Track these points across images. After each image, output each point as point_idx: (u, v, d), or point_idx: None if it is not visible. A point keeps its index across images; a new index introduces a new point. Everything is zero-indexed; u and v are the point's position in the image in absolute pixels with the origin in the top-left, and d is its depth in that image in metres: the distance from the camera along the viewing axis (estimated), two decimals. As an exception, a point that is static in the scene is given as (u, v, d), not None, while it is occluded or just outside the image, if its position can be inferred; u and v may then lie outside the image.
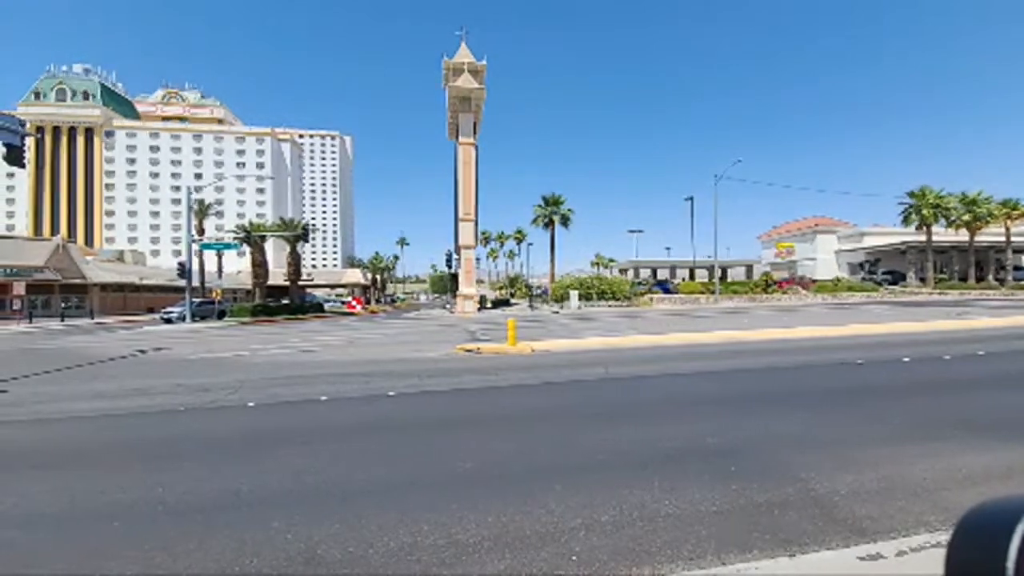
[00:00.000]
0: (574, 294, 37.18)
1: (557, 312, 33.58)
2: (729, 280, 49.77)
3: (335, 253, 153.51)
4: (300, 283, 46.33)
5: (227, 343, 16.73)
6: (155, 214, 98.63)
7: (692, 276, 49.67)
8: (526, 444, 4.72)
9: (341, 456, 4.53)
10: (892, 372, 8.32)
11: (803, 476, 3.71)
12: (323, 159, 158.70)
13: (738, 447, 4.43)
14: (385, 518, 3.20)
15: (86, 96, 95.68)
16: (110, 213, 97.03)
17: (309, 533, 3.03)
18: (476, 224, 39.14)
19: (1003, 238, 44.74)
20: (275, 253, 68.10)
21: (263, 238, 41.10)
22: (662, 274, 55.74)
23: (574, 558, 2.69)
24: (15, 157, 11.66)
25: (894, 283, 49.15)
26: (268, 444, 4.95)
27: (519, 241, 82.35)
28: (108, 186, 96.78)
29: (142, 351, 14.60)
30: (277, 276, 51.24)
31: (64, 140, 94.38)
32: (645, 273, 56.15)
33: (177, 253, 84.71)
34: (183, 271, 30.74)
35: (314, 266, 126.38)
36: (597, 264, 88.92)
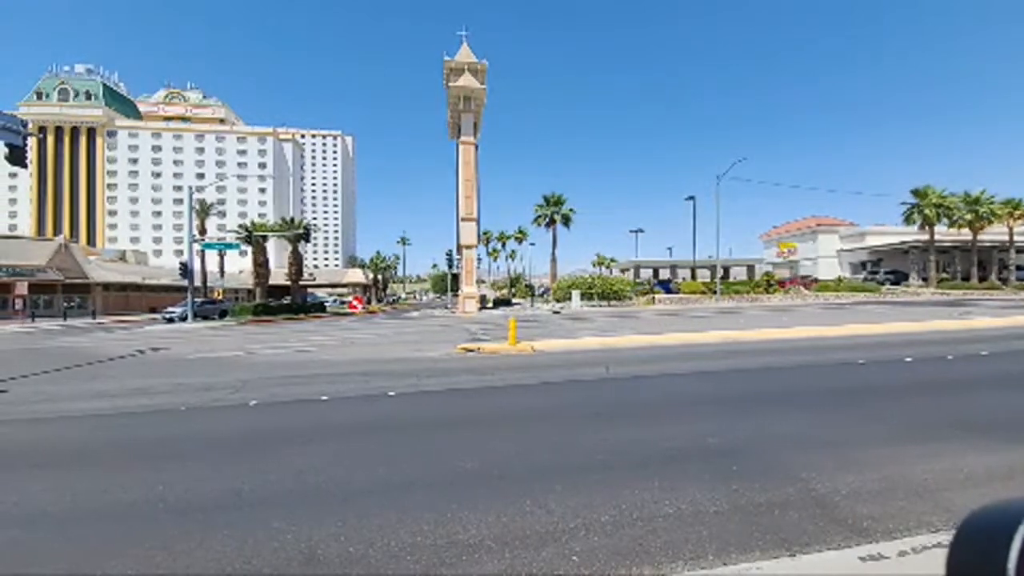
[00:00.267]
0: (575, 294, 37.17)
1: (558, 312, 33.57)
2: (731, 280, 49.70)
3: (336, 253, 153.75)
4: (301, 283, 46.40)
5: (228, 343, 16.76)
6: (157, 214, 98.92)
7: (694, 276, 49.59)
8: (526, 444, 4.71)
9: (342, 456, 4.53)
10: (894, 372, 8.30)
11: (804, 476, 3.70)
12: (324, 159, 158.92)
13: (739, 447, 4.42)
14: (385, 518, 3.20)
15: (88, 96, 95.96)
16: (112, 213, 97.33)
17: (309, 533, 3.03)
18: (477, 224, 39.16)
19: (1006, 238, 44.61)
20: (277, 253, 68.19)
21: (265, 238, 41.17)
22: (664, 274, 55.66)
23: (574, 558, 2.69)
24: (17, 157, 11.69)
25: (896, 283, 49.04)
26: (269, 443, 4.96)
27: (520, 241, 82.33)
28: (110, 186, 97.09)
29: (143, 351, 14.63)
30: (279, 276, 51.32)
31: (66, 140, 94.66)
32: (646, 273, 56.10)
33: (179, 253, 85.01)
34: (185, 271, 30.82)
35: (316, 266, 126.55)
36: (598, 264, 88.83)
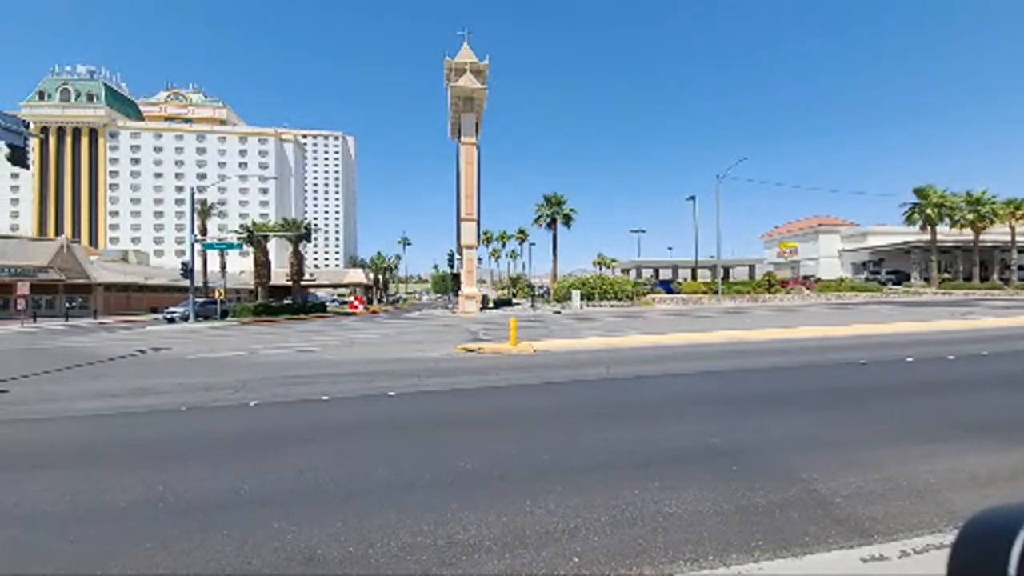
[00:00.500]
0: (576, 294, 37.16)
1: (559, 312, 33.55)
2: (732, 280, 49.64)
3: (337, 253, 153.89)
4: (302, 283, 46.47)
5: (229, 343, 16.77)
6: (159, 214, 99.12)
7: (694, 276, 49.52)
8: (527, 444, 4.70)
9: (342, 456, 4.52)
10: (895, 372, 8.28)
11: (806, 477, 3.68)
12: (326, 159, 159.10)
13: (740, 447, 4.41)
14: (386, 518, 3.19)
15: (90, 97, 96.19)
16: (114, 213, 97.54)
17: (310, 533, 3.02)
18: (478, 224, 39.18)
19: (1008, 237, 44.50)
20: (278, 253, 68.34)
21: (266, 238, 41.22)
22: (664, 274, 55.60)
23: (575, 559, 2.68)
24: (19, 157, 11.71)
25: (898, 283, 48.96)
26: (269, 443, 4.96)
27: (521, 241, 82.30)
28: (112, 186, 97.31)
29: (144, 351, 14.65)
30: (280, 276, 51.40)
31: (68, 140, 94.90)
32: (647, 273, 56.03)
33: (180, 253, 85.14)
34: (186, 271, 30.86)
35: (316, 266, 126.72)
36: (599, 264, 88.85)
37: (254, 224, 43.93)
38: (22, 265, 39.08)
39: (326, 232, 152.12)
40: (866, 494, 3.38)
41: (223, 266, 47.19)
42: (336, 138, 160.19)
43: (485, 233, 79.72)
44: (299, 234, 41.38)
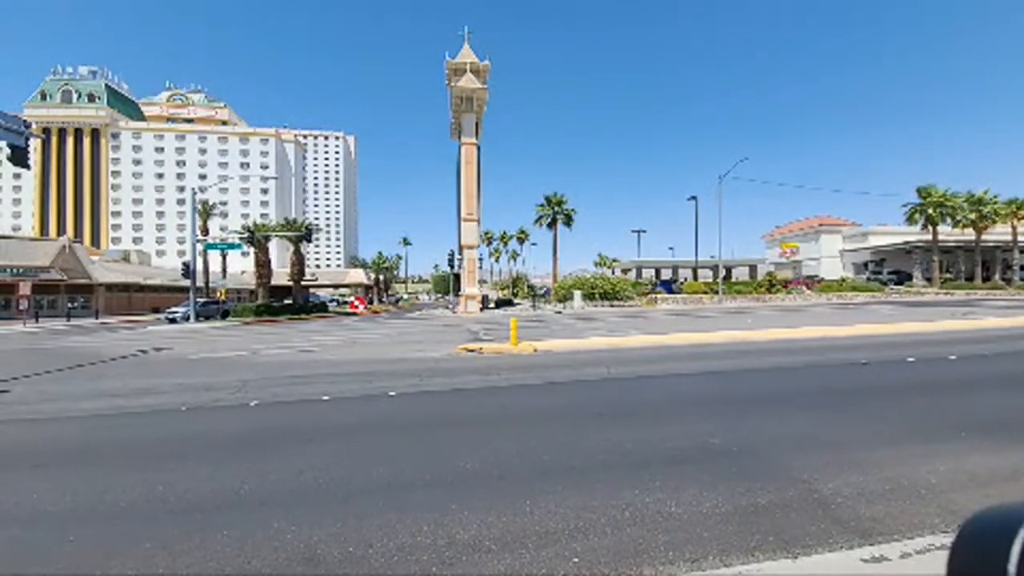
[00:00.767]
0: (577, 294, 37.13)
1: (560, 312, 33.55)
2: (733, 280, 49.59)
3: (338, 253, 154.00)
4: (303, 283, 46.49)
5: (230, 343, 16.79)
6: (160, 214, 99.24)
7: (695, 276, 49.47)
8: (527, 444, 4.70)
9: (342, 456, 4.53)
10: (897, 372, 8.26)
11: (807, 477, 3.68)
12: (326, 159, 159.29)
13: (741, 448, 4.40)
14: (386, 518, 3.19)
15: (91, 97, 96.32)
16: (116, 214, 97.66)
17: (309, 533, 3.02)
18: (479, 224, 39.19)
19: (1010, 237, 44.41)
20: (279, 253, 68.44)
21: (267, 238, 41.23)
22: (665, 274, 55.59)
23: (575, 559, 2.68)
24: (20, 158, 11.74)
25: (899, 283, 48.87)
26: (270, 443, 4.96)
27: (522, 241, 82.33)
28: (114, 187, 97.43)
29: (146, 351, 14.67)
30: (281, 276, 51.40)
31: (70, 141, 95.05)
32: (648, 273, 56.00)
33: (182, 253, 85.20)
34: (187, 271, 30.90)
35: (318, 266, 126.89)
36: (600, 264, 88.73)
37: (255, 224, 43.96)
38: (24, 265, 39.17)
39: (327, 232, 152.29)
40: (867, 494, 3.37)
41: (224, 266, 47.29)
42: (337, 138, 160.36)
43: (486, 233, 79.76)
44: (300, 234, 41.40)
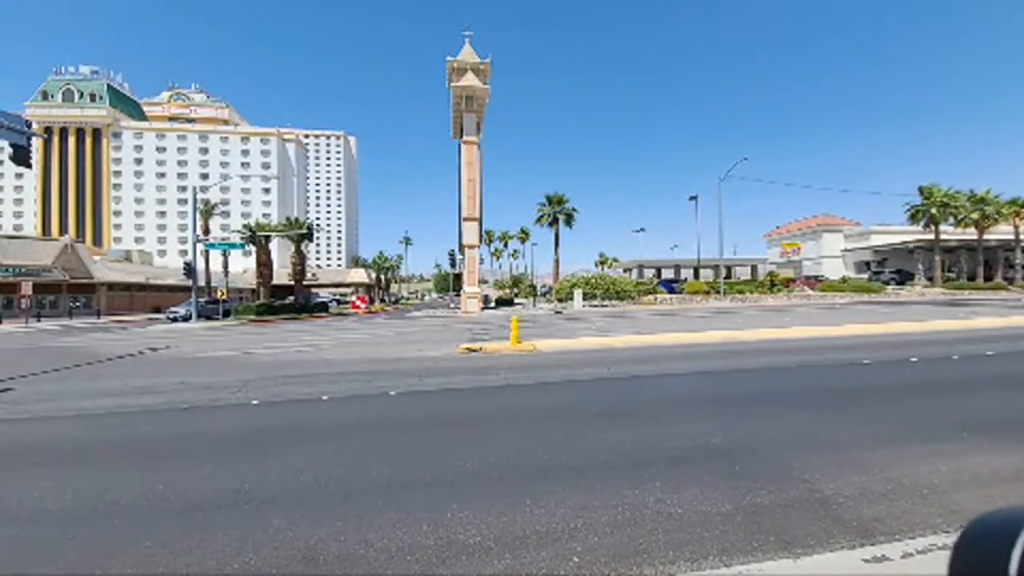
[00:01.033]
0: (578, 293, 37.10)
1: (561, 312, 33.53)
2: (734, 280, 49.52)
3: (340, 253, 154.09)
4: (305, 283, 46.56)
5: (231, 342, 16.81)
6: (162, 214, 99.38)
7: (697, 276, 49.40)
8: (527, 444, 4.69)
9: (342, 455, 4.52)
10: (899, 372, 8.23)
11: (807, 477, 3.67)
12: (328, 159, 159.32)
13: (741, 447, 4.39)
14: (386, 517, 3.19)
15: (93, 97, 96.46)
16: (117, 213, 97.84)
17: (309, 532, 3.02)
18: (480, 223, 39.18)
19: (1012, 237, 44.28)
20: (280, 253, 68.46)
21: (268, 238, 41.28)
22: (666, 273, 55.53)
23: (575, 559, 2.67)
24: (21, 157, 11.75)
25: (901, 283, 48.75)
26: (270, 443, 4.96)
27: (523, 240, 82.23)
28: (115, 186, 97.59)
29: (147, 350, 14.69)
30: (282, 275, 51.50)
31: (72, 141, 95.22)
32: (649, 272, 55.93)
33: (183, 253, 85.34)
34: (189, 271, 30.95)
35: (319, 266, 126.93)
36: (601, 263, 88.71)
37: (256, 224, 44.03)
38: (26, 265, 39.27)
39: (328, 232, 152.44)
40: (869, 494, 3.36)
41: (226, 266, 47.31)
42: (338, 138, 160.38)
43: (487, 232, 79.71)
44: (301, 234, 41.42)
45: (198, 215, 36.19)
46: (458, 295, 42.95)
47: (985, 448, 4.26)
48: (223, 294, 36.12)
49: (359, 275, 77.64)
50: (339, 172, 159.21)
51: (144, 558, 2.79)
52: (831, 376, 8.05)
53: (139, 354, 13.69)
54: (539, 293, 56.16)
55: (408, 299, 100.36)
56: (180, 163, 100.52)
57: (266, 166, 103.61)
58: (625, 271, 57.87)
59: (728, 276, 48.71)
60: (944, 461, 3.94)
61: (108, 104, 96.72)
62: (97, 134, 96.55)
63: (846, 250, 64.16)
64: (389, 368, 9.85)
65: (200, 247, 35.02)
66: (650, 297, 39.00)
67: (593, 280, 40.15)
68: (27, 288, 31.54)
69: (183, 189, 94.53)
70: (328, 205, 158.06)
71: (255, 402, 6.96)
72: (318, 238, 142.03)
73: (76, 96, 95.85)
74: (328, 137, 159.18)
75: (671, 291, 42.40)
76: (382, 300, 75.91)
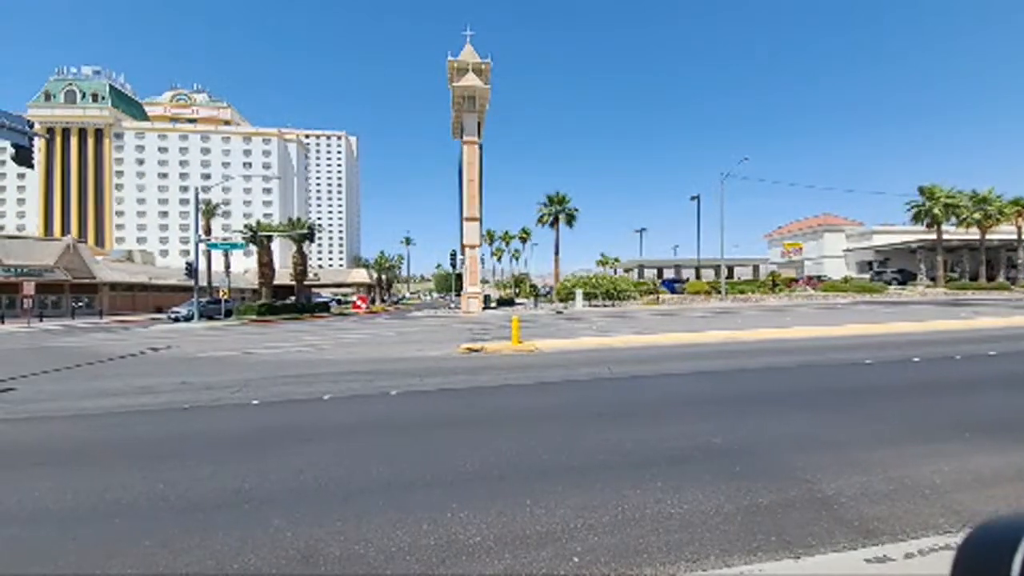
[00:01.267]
0: (579, 293, 37.08)
1: (562, 312, 33.51)
2: (736, 279, 49.43)
3: (341, 253, 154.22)
4: (306, 283, 46.59)
5: (232, 342, 16.84)
6: (164, 214, 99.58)
7: (698, 275, 49.31)
8: (527, 444, 4.69)
9: (342, 455, 4.52)
10: (899, 372, 8.21)
11: (809, 477, 3.65)
12: (329, 159, 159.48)
13: (742, 447, 4.38)
14: (385, 517, 3.18)
15: (95, 97, 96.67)
16: (120, 213, 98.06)
17: (309, 531, 3.02)
18: (481, 223, 39.18)
19: (1014, 237, 44.12)
20: (281, 253, 68.55)
21: (269, 238, 41.32)
22: (667, 273, 55.44)
23: (575, 559, 2.66)
24: (24, 158, 11.78)
25: (903, 282, 48.59)
26: (270, 443, 4.96)
27: (524, 240, 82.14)
28: (118, 187, 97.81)
29: (149, 350, 14.72)
30: (283, 275, 51.55)
31: (74, 141, 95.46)
32: (650, 272, 55.86)
33: (185, 253, 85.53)
34: (191, 271, 31.00)
35: (320, 266, 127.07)
36: (602, 263, 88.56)
37: (258, 224, 44.06)
38: (28, 265, 39.37)
39: (329, 232, 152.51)
40: (870, 494, 3.34)
41: (227, 266, 47.36)
42: (339, 138, 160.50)
43: (488, 232, 79.66)
44: (303, 234, 41.45)
45: (200, 215, 36.22)
46: (459, 295, 42.94)
47: (987, 448, 4.24)
48: (225, 294, 36.19)
49: (360, 275, 77.72)
50: (340, 172, 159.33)
51: (144, 558, 2.79)
52: (832, 376, 8.03)
53: (140, 354, 13.71)
54: (540, 293, 56.06)
55: (409, 299, 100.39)
56: (182, 163, 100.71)
57: (267, 166, 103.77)
58: (626, 271, 57.81)
59: (730, 276, 48.61)
60: (946, 461, 3.92)
61: (110, 104, 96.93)
62: (99, 134, 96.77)
63: (848, 250, 64.00)
64: (390, 368, 9.85)
65: (202, 247, 35.07)
66: (651, 297, 38.96)
67: (594, 280, 40.10)
68: (29, 288, 31.62)
69: (185, 189, 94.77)
70: (329, 205, 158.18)
71: (255, 402, 6.97)
72: (319, 238, 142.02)
73: (78, 96, 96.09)
74: (329, 137, 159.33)
75: (673, 291, 42.34)
76: (383, 300, 75.94)
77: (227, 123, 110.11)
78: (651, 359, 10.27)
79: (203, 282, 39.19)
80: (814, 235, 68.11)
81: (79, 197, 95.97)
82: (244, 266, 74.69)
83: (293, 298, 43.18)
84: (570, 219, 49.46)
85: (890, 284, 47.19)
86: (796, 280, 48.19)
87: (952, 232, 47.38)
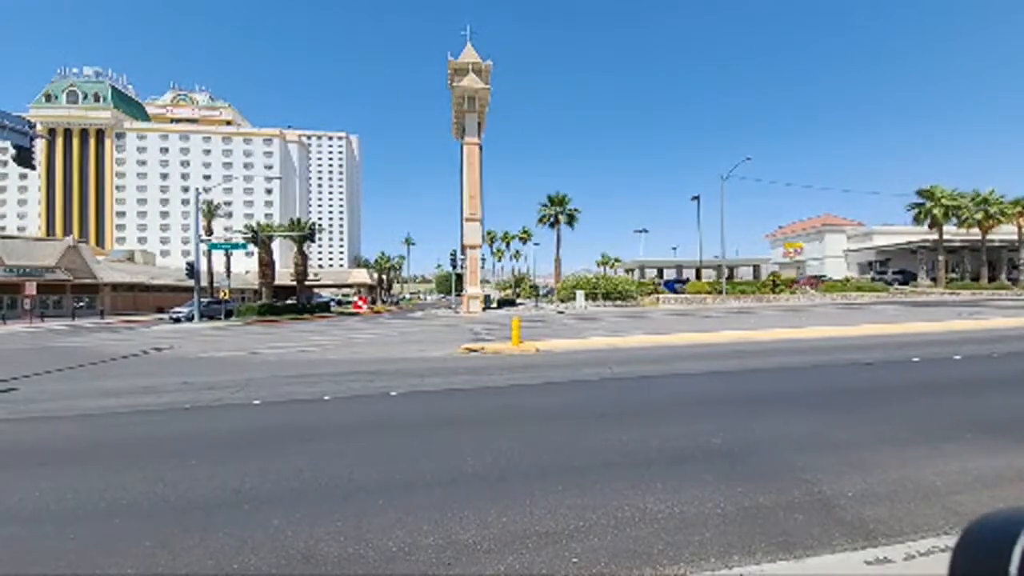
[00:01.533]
0: (580, 294, 37.07)
1: (562, 312, 33.50)
2: (736, 280, 49.36)
3: (342, 253, 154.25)
4: (307, 283, 46.61)
5: (233, 342, 16.85)
6: (165, 215, 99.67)
7: (699, 276, 49.26)
8: (528, 444, 4.68)
9: (343, 455, 4.52)
10: (902, 373, 8.20)
11: (810, 478, 3.65)
12: (330, 159, 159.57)
13: (744, 448, 4.37)
14: (385, 517, 3.18)
15: (96, 98, 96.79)
16: (121, 214, 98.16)
17: (309, 531, 3.02)
18: (481, 224, 39.17)
19: (1016, 237, 44.03)
20: (282, 253, 68.61)
21: (270, 238, 41.34)
22: (668, 274, 55.36)
23: (575, 559, 2.66)
24: (24, 158, 11.80)
25: (904, 283, 48.54)
26: (271, 442, 4.96)
27: (524, 241, 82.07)
28: (119, 187, 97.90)
29: (150, 350, 14.74)
30: (284, 276, 51.58)
31: (75, 142, 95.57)
32: (651, 273, 55.81)
33: (186, 253, 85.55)
34: (192, 271, 31.01)
35: (321, 266, 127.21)
36: (603, 264, 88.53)
37: (259, 224, 44.09)
38: (30, 265, 39.44)
39: (330, 232, 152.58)
40: (871, 496, 3.34)
41: (228, 266, 47.41)
42: (340, 138, 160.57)
43: (489, 233, 79.59)
44: (303, 234, 41.48)
45: (201, 215, 36.29)
46: (460, 296, 42.95)
47: (989, 449, 4.23)
48: (226, 294, 36.23)
49: (361, 275, 77.76)
50: (341, 172, 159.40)
51: (144, 558, 2.79)
52: (837, 376, 8.02)
53: (143, 354, 13.73)
54: (541, 293, 56.10)
55: (410, 299, 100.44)
56: (183, 163, 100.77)
57: (268, 166, 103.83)
58: (627, 271, 57.79)
59: (730, 276, 48.53)
60: (948, 462, 3.91)
61: (111, 105, 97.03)
62: (100, 135, 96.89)
63: (849, 250, 63.94)
64: (390, 368, 9.86)
65: (203, 247, 35.11)
66: (652, 297, 38.94)
67: (595, 280, 40.10)
68: (31, 288, 31.68)
69: (186, 189, 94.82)
70: (330, 205, 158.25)
71: (257, 402, 6.97)
72: (320, 238, 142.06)
73: (79, 97, 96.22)
74: (330, 137, 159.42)
75: (674, 291, 42.31)
76: (384, 300, 75.97)
77: (228, 123, 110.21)
78: (661, 359, 10.26)
79: (204, 282, 39.24)
80: (815, 235, 68.07)
81: (80, 197, 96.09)
82: (245, 266, 74.73)
83: (294, 298, 43.20)
84: (571, 219, 49.50)
85: (891, 285, 47.14)
86: (797, 280, 48.08)
87: (953, 233, 47.28)
